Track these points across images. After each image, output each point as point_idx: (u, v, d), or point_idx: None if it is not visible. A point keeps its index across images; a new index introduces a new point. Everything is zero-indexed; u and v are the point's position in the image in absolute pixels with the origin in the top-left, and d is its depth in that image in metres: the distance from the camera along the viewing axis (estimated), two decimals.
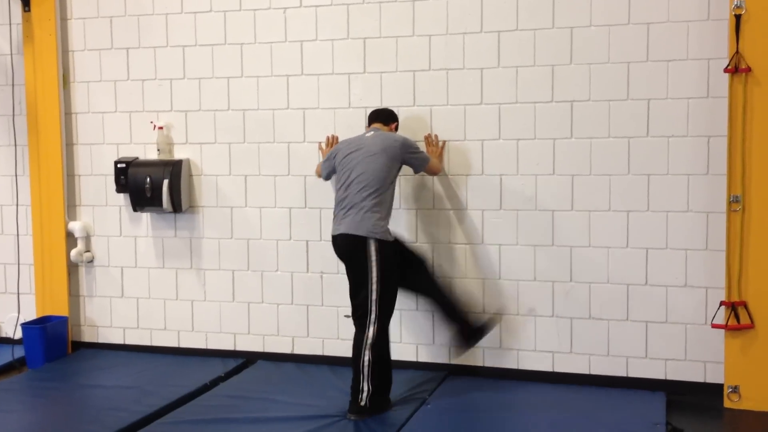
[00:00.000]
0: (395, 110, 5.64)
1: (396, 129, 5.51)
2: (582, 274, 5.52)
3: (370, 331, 5.05)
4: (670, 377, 5.42)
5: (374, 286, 5.05)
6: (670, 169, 5.30)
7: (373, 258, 5.04)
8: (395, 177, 5.27)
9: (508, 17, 5.49)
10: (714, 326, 5.20)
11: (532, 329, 5.64)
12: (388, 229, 5.14)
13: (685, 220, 5.31)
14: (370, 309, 5.07)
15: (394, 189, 5.28)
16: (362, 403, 5.05)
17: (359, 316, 5.14)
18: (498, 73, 5.55)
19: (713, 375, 5.32)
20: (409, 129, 5.69)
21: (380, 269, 5.04)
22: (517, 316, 5.66)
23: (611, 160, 5.40)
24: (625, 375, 5.50)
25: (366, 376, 5.04)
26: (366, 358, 5.04)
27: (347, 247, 5.13)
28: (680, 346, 5.38)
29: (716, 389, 5.27)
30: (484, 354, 5.74)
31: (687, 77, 5.23)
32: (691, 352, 5.37)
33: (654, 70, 5.27)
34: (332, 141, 5.79)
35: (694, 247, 5.31)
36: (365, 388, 5.05)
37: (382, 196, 5.13)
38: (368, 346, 5.04)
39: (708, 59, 5.18)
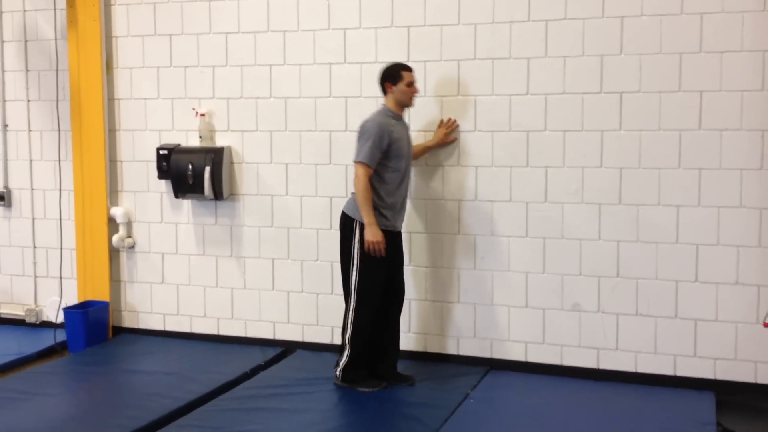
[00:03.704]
0: (439, 98, 5.58)
1: (394, 84, 5.25)
2: (629, 269, 5.40)
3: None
4: (719, 377, 5.30)
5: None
6: (723, 163, 5.16)
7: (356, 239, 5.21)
8: (381, 160, 5.15)
9: (557, 5, 5.37)
10: (766, 325, 5.08)
11: (577, 325, 5.54)
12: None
13: (737, 215, 5.17)
14: (353, 289, 5.27)
15: (379, 173, 5.18)
16: (336, 373, 5.36)
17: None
18: (545, 63, 5.44)
19: (764, 375, 5.21)
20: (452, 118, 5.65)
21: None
22: (561, 311, 5.56)
23: (661, 154, 5.26)
24: (672, 374, 5.38)
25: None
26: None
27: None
28: (730, 345, 5.26)
29: (767, 390, 5.16)
30: (527, 349, 5.66)
31: (741, 69, 5.08)
32: (742, 352, 5.25)
33: (707, 61, 5.13)
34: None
35: (746, 244, 5.17)
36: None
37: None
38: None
39: (763, 51, 5.03)
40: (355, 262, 5.22)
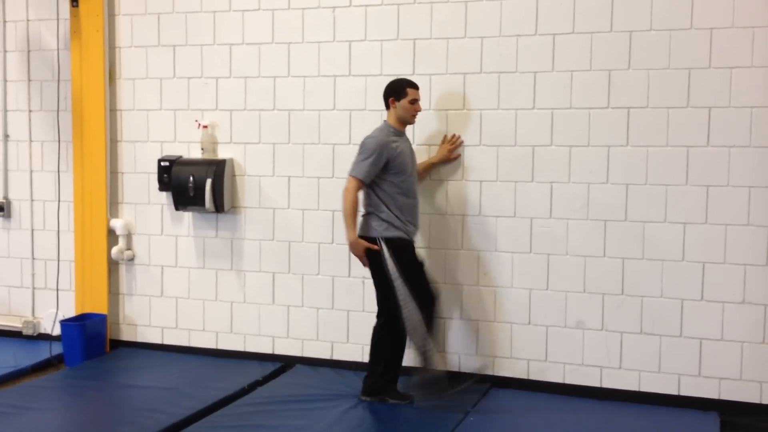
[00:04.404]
0: (444, 112, 5.56)
1: (398, 100, 5.23)
2: (634, 287, 5.34)
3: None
4: (723, 397, 5.23)
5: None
6: (731, 180, 5.12)
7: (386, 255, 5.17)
8: (379, 176, 5.15)
9: (565, 20, 5.35)
10: None
11: (580, 342, 5.48)
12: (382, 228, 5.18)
13: (744, 233, 5.12)
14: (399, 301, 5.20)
15: (389, 187, 5.16)
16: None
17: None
18: (552, 78, 5.40)
19: None
20: (457, 132, 5.61)
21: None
22: (564, 329, 5.50)
23: (668, 170, 5.22)
24: (676, 393, 5.31)
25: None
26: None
27: None
28: (735, 364, 5.19)
29: None
30: (529, 366, 5.59)
31: (751, 85, 5.04)
32: (747, 372, 5.18)
33: (716, 77, 5.09)
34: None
35: (753, 263, 5.12)
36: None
37: (369, 198, 5.22)
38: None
39: None
40: (394, 275, 5.12)
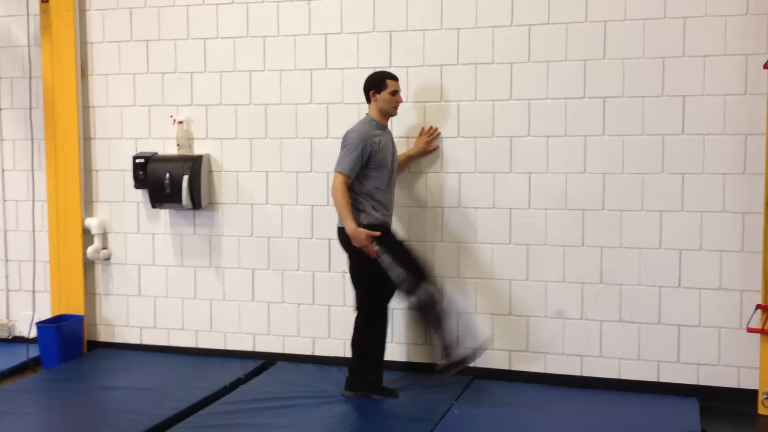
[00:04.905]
0: (422, 104, 5.57)
1: (378, 93, 5.21)
2: (613, 275, 5.38)
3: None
4: (702, 383, 5.29)
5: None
6: (706, 167, 5.17)
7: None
8: (362, 170, 5.12)
9: (540, 10, 5.37)
10: (749, 330, 5.07)
11: (560, 332, 5.51)
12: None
13: (720, 220, 5.18)
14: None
15: (367, 181, 5.15)
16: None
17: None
18: (528, 68, 5.42)
19: (747, 381, 5.20)
20: (435, 124, 5.62)
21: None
22: (544, 319, 5.53)
23: (644, 159, 5.26)
24: (656, 380, 5.36)
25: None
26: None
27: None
28: (713, 350, 5.25)
29: (750, 395, 5.15)
30: (510, 357, 5.61)
31: (724, 73, 5.09)
32: (725, 357, 5.24)
33: (690, 65, 5.14)
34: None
35: (729, 249, 5.18)
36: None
37: (352, 192, 5.17)
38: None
39: (746, 55, 5.05)
40: (379, 252, 5.08)
